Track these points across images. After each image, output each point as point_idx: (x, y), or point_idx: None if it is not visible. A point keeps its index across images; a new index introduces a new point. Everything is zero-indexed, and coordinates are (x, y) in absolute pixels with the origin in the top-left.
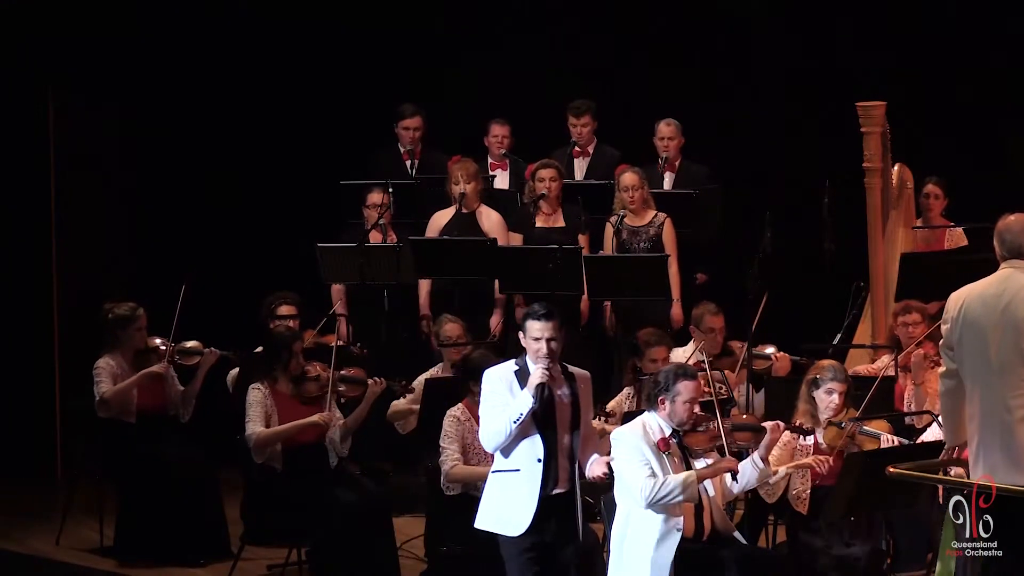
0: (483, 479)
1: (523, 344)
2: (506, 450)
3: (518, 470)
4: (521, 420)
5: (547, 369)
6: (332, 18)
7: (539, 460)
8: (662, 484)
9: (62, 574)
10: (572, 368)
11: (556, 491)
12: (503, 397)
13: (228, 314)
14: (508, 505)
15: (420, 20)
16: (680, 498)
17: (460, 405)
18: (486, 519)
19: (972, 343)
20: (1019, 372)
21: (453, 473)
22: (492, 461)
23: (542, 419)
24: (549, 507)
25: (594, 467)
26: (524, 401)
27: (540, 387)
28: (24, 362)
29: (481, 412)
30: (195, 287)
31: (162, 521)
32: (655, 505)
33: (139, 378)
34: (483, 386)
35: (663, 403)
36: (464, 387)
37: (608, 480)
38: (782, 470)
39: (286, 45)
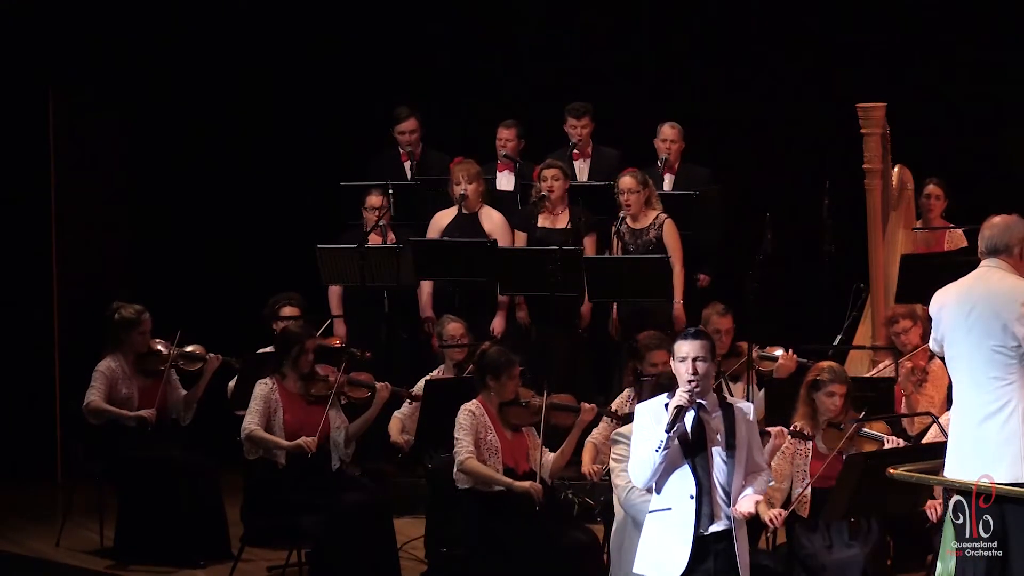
0: (495, 483)
1: (675, 371)
2: (659, 488)
3: (670, 508)
4: (663, 448)
5: (689, 391)
6: (332, 19)
7: (691, 497)
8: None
9: (62, 575)
10: (733, 399)
11: (713, 529)
12: (650, 430)
13: (228, 315)
14: (664, 547)
15: (421, 21)
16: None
17: (475, 401)
18: (643, 563)
19: (949, 342)
20: (986, 372)
21: (467, 465)
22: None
23: (693, 452)
24: (706, 547)
25: (742, 503)
26: (663, 428)
27: (679, 410)
28: (24, 363)
29: (631, 449)
30: (194, 292)
31: (162, 523)
32: (629, 511)
33: (126, 416)
34: (634, 422)
35: None
36: (480, 383)
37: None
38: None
39: (286, 46)
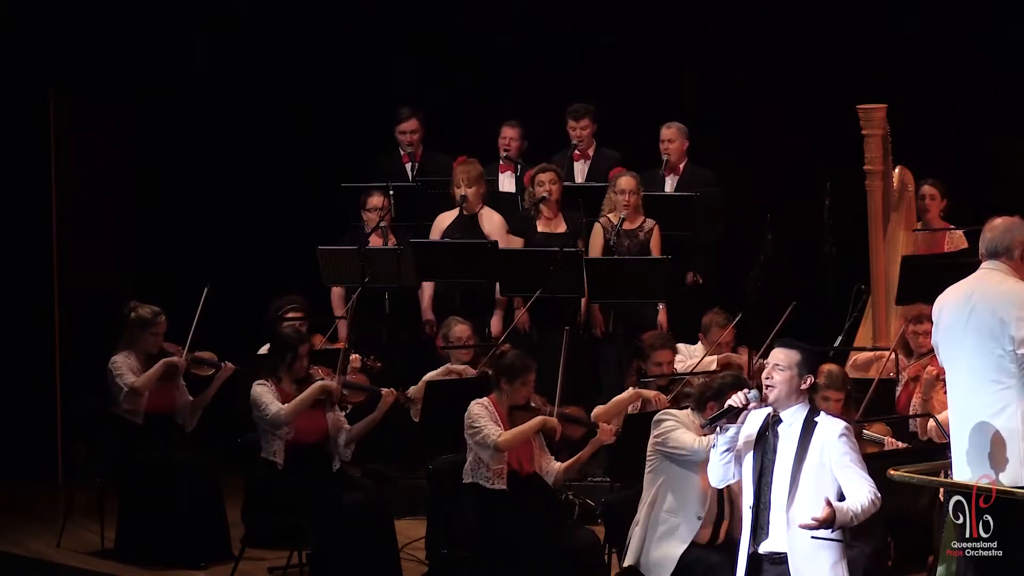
0: (530, 433)
1: None
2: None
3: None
4: (717, 446)
5: (745, 395)
6: (334, 20)
7: (749, 508)
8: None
9: None
10: (825, 417)
11: (765, 548)
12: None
13: (228, 317)
14: (737, 558)
15: (423, 22)
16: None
17: (487, 398)
18: None
19: (947, 345)
20: (985, 374)
21: (502, 442)
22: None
23: (759, 463)
24: (760, 566)
25: (819, 509)
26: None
27: (729, 408)
28: (25, 363)
29: None
30: (194, 293)
31: (163, 524)
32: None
33: (162, 365)
34: None
35: (711, 408)
36: (494, 383)
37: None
38: None
39: (288, 47)
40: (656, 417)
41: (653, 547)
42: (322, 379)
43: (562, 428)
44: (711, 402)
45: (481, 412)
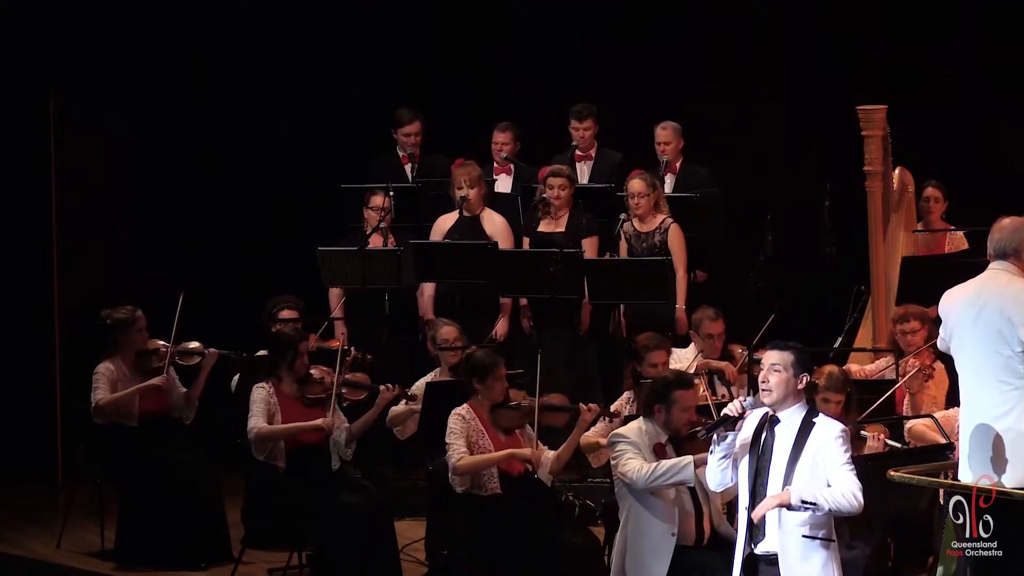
0: (493, 463)
1: None
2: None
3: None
4: (715, 452)
5: (743, 403)
6: (333, 21)
7: (745, 508)
8: (657, 465)
9: None
10: (823, 418)
11: (761, 548)
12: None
13: (229, 318)
14: (734, 558)
15: (422, 23)
16: (677, 478)
17: (465, 406)
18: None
19: (955, 345)
20: (993, 375)
21: (460, 466)
22: None
23: (755, 464)
24: (756, 566)
25: (759, 506)
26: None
27: (725, 417)
28: (25, 365)
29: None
30: (195, 292)
31: (163, 524)
32: (651, 485)
33: (137, 389)
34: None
35: (659, 411)
36: (468, 387)
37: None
38: None
39: (287, 48)
40: (609, 438)
41: (636, 570)
42: (320, 379)
43: (546, 417)
44: (657, 405)
45: (454, 426)
